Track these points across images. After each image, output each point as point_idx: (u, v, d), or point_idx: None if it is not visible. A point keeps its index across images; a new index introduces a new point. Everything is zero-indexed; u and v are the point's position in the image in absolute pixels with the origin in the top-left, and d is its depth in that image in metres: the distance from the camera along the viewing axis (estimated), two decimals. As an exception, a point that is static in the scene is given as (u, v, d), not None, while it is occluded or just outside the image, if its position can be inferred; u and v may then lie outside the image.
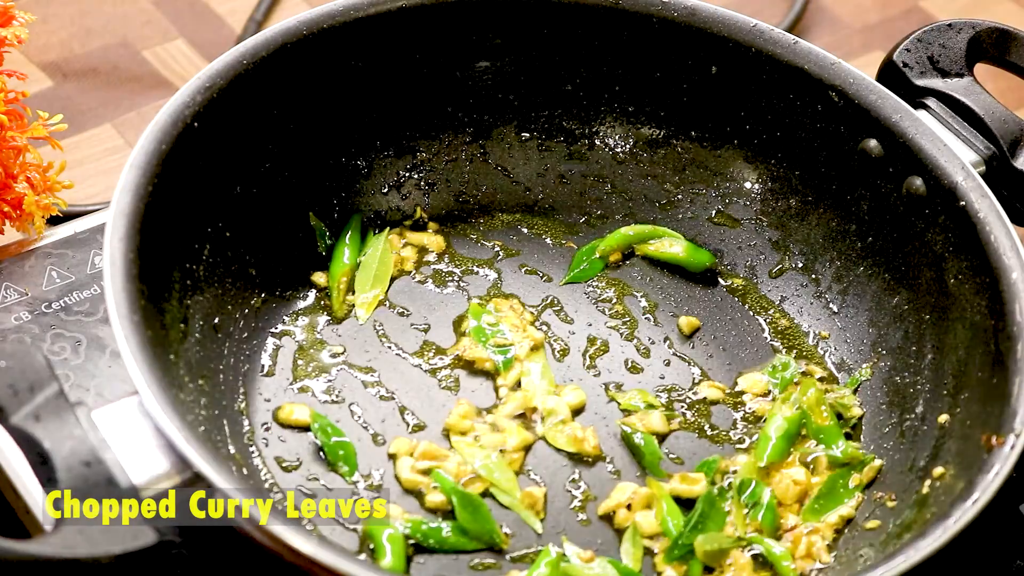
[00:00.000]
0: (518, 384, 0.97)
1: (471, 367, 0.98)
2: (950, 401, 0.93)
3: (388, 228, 1.04)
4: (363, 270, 1.02)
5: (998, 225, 0.94)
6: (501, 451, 0.94)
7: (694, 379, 0.99)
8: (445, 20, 1.03)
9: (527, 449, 0.95)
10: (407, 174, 1.06)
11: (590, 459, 0.95)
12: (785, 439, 0.95)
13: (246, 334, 0.97)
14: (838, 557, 0.91)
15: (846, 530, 0.92)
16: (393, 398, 0.96)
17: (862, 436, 0.97)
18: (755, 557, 0.91)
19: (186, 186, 0.93)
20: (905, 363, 0.98)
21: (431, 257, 1.04)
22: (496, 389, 0.97)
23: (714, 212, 1.06)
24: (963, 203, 0.95)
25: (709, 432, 0.97)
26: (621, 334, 1.01)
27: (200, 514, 0.80)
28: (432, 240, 1.05)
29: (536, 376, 0.98)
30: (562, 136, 1.08)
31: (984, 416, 0.89)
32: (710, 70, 1.04)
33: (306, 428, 0.94)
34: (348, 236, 1.02)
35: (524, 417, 0.96)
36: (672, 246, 1.05)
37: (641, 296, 1.04)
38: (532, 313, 1.02)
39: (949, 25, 1.06)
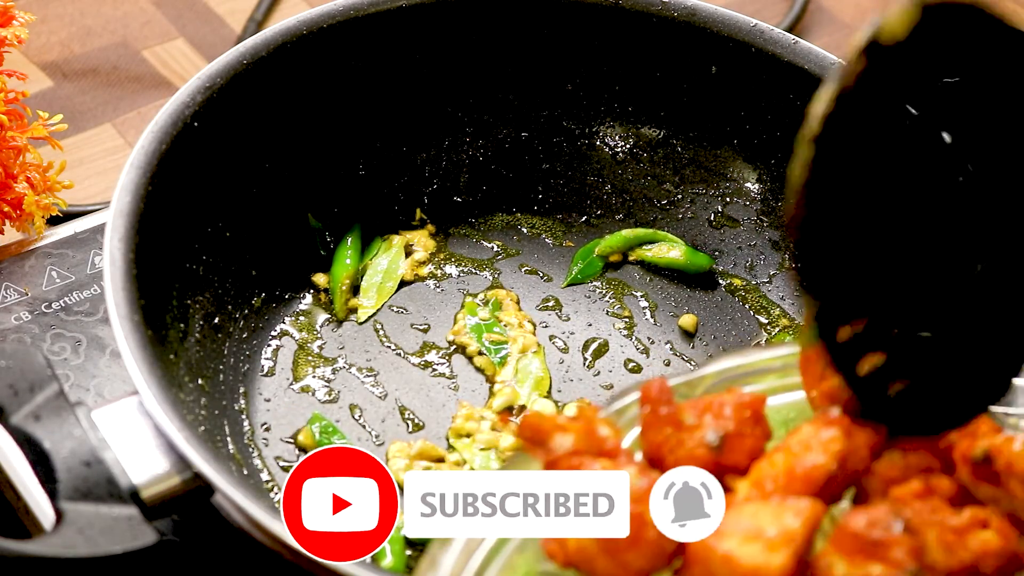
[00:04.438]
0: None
1: (465, 353, 0.98)
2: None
3: (401, 236, 1.04)
4: (369, 276, 1.02)
5: (998, 225, 0.94)
6: (496, 450, 0.94)
7: (694, 379, 1.00)
8: (445, 20, 1.03)
9: (527, 449, 0.95)
10: (407, 174, 1.06)
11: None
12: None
13: (246, 334, 0.97)
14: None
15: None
16: (393, 398, 0.97)
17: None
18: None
19: (186, 186, 0.93)
20: (905, 363, 0.98)
21: (430, 257, 1.04)
22: (492, 387, 0.97)
23: (714, 212, 1.07)
24: (963, 203, 0.95)
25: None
26: (621, 334, 1.01)
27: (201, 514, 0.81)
28: (431, 241, 1.05)
29: (530, 375, 0.98)
30: (562, 136, 1.08)
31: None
32: (710, 70, 1.04)
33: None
34: (350, 239, 1.02)
35: (511, 413, 0.96)
36: (670, 251, 1.05)
37: (641, 296, 1.04)
38: (531, 318, 1.02)
39: (949, 25, 1.06)
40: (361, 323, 1.00)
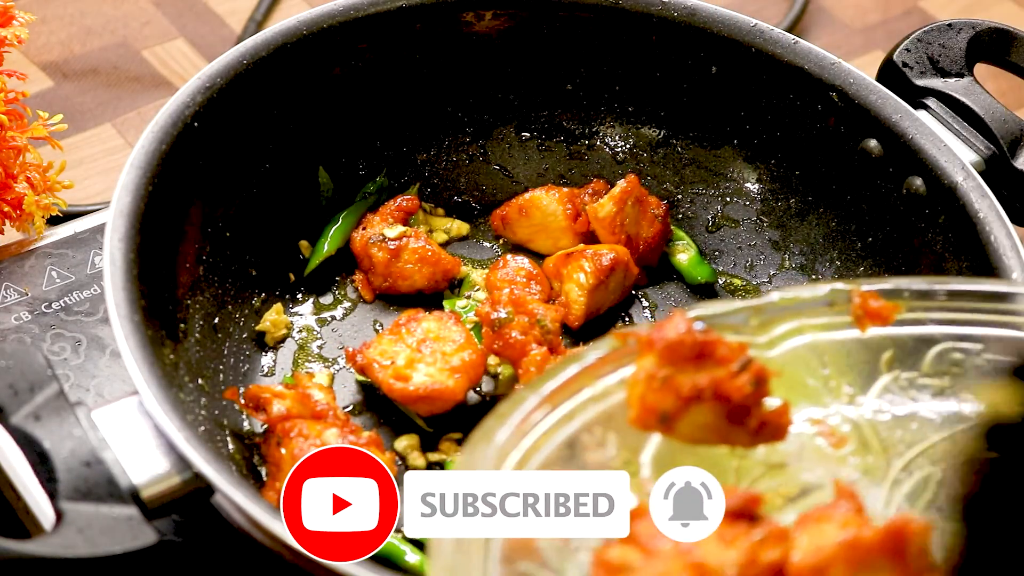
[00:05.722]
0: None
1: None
2: (950, 401, 0.93)
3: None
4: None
5: (998, 225, 0.94)
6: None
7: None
8: (445, 20, 1.03)
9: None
10: (407, 174, 1.06)
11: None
12: None
13: (246, 334, 0.97)
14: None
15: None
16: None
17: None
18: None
19: (186, 186, 0.93)
20: (905, 363, 0.98)
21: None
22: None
23: (714, 212, 1.07)
24: (963, 203, 0.95)
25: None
26: (621, 334, 1.01)
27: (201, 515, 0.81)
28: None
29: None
30: (562, 136, 1.08)
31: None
32: (710, 70, 1.04)
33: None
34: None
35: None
36: (679, 253, 1.04)
37: (641, 296, 1.04)
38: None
39: (949, 25, 1.06)
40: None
